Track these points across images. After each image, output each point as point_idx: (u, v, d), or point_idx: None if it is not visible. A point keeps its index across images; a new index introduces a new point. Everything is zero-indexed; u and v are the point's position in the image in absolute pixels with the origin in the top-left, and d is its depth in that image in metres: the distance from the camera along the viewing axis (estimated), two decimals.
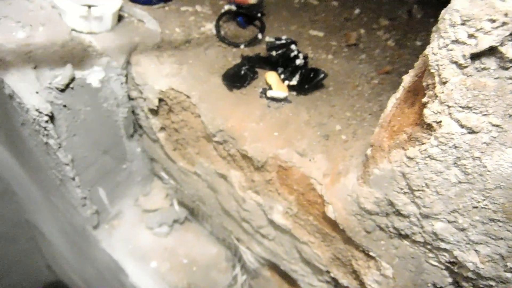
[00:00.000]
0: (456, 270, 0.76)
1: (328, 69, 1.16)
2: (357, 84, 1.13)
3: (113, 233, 1.44)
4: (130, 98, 1.20)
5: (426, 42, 0.60)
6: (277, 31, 1.30)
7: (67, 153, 1.08)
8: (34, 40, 1.02)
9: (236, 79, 1.07)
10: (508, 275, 0.67)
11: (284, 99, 1.05)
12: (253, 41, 1.22)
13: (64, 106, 0.99)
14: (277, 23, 1.34)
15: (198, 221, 1.51)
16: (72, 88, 0.98)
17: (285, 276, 1.33)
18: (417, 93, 0.67)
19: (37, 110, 0.92)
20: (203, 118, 1.04)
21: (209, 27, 1.25)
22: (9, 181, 2.15)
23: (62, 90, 0.96)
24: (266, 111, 1.03)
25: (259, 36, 1.23)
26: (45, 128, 0.97)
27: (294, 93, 1.08)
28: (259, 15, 1.28)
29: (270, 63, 1.13)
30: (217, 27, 1.24)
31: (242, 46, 1.20)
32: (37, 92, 0.92)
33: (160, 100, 1.13)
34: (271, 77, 1.09)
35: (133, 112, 1.26)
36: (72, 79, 0.97)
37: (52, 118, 0.97)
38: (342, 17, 1.40)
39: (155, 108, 1.14)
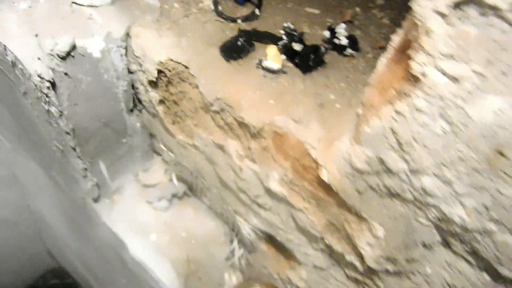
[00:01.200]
0: (444, 228, 0.78)
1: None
2: (352, 58, 1.16)
3: (113, 207, 1.47)
4: (130, 72, 1.23)
5: None
6: (274, 8, 1.32)
7: (68, 122, 1.11)
8: (35, 11, 1.05)
9: (233, 50, 1.10)
10: (493, 226, 0.70)
11: (278, 71, 1.07)
12: (250, 17, 1.24)
13: (65, 74, 1.01)
14: (274, 0, 1.36)
15: (196, 196, 1.54)
16: (73, 56, 1.01)
17: (281, 249, 1.36)
18: (405, 50, 0.70)
19: (39, 75, 0.95)
20: (201, 88, 1.07)
21: (208, 3, 1.28)
22: (11, 166, 2.18)
23: (63, 58, 0.99)
24: (263, 81, 1.05)
25: (256, 12, 1.25)
26: (46, 95, 1.00)
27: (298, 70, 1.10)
28: None
29: (267, 37, 1.16)
30: (215, 2, 1.26)
31: (239, 21, 1.22)
32: (39, 58, 0.95)
33: (159, 72, 1.15)
34: (270, 49, 1.11)
35: (132, 86, 1.28)
36: (73, 47, 1.00)
37: (53, 85, 1.00)
38: None
39: (154, 79, 1.16)
